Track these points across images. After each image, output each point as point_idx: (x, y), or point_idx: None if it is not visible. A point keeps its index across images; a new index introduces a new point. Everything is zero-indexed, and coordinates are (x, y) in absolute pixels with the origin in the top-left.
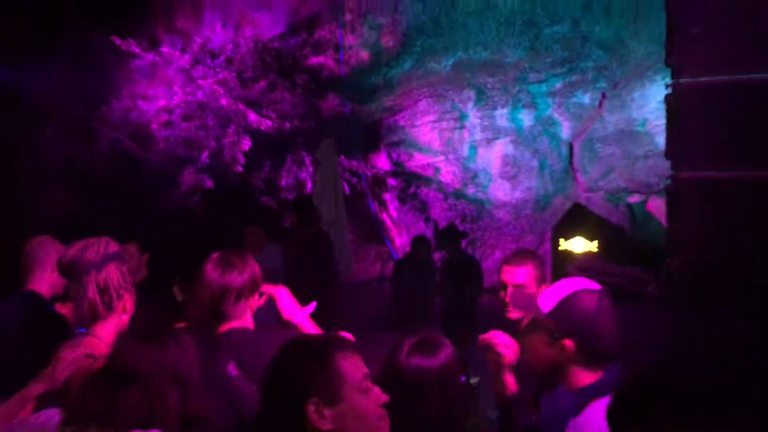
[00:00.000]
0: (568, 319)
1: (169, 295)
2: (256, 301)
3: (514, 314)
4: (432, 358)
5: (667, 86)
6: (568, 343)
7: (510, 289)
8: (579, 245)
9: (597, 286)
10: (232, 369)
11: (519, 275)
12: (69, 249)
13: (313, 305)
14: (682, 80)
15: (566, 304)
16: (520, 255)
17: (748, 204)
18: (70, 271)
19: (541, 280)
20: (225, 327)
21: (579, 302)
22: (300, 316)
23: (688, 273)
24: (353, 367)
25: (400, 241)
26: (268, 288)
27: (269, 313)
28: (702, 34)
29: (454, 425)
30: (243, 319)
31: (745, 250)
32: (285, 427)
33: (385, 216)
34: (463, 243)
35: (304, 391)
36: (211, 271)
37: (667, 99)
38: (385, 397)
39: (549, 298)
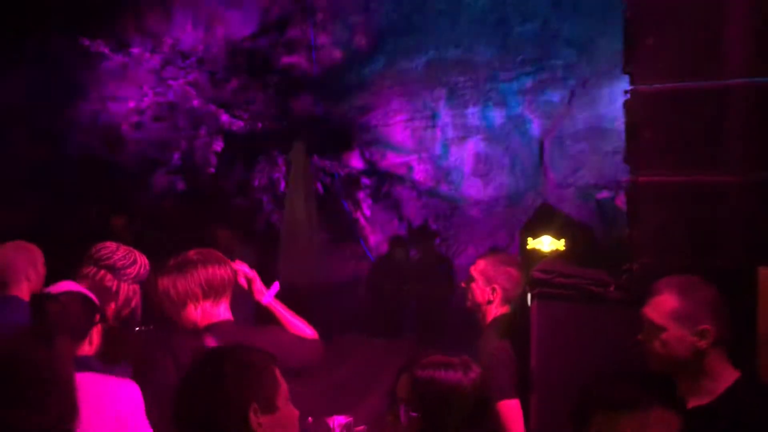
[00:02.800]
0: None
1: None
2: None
3: (468, 303)
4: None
5: (625, 92)
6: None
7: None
8: (547, 244)
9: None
10: None
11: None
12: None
13: (276, 285)
14: (639, 87)
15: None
16: (488, 253)
17: (703, 208)
18: None
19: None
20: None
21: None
22: (269, 296)
23: (646, 276)
24: (283, 378)
25: (374, 240)
26: (242, 266)
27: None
28: (657, 44)
29: None
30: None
31: (701, 254)
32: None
33: (358, 215)
34: (437, 241)
35: (245, 396)
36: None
37: (626, 105)
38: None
39: None
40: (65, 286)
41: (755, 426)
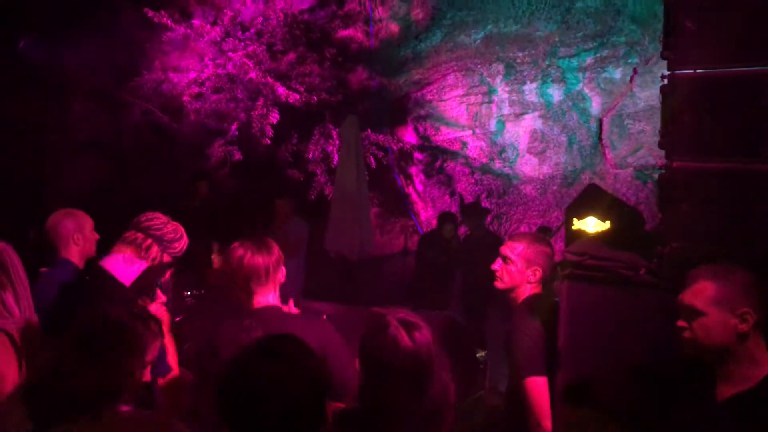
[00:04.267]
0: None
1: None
2: (280, 279)
3: (500, 284)
4: (415, 338)
5: (662, 77)
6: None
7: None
8: (592, 225)
9: None
10: None
11: (511, 250)
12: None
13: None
14: (677, 72)
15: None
16: (520, 233)
17: (737, 195)
18: None
19: (531, 263)
20: (256, 303)
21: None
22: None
23: (676, 261)
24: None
25: (425, 215)
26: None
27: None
28: (697, 28)
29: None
30: (270, 295)
31: (731, 240)
32: None
33: (410, 190)
34: (489, 218)
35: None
36: (240, 251)
37: (662, 90)
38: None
39: None
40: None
41: None
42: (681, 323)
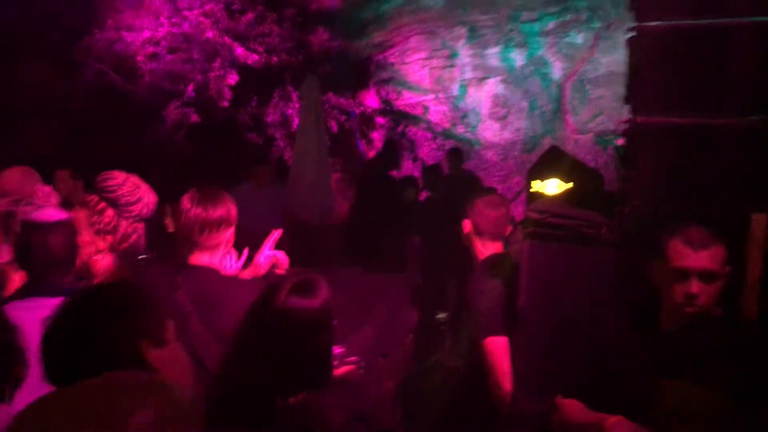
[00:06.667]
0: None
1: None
2: (228, 238)
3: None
4: (311, 300)
5: (628, 30)
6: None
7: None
8: (553, 187)
9: None
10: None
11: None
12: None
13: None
14: (643, 25)
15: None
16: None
17: (700, 152)
18: None
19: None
20: (194, 259)
21: None
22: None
23: (637, 218)
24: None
25: None
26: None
27: None
28: None
29: (324, 369)
30: (213, 254)
31: (695, 199)
32: None
33: (373, 154)
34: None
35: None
36: (186, 203)
37: (629, 43)
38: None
39: None
40: (49, 214)
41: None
42: (696, 289)
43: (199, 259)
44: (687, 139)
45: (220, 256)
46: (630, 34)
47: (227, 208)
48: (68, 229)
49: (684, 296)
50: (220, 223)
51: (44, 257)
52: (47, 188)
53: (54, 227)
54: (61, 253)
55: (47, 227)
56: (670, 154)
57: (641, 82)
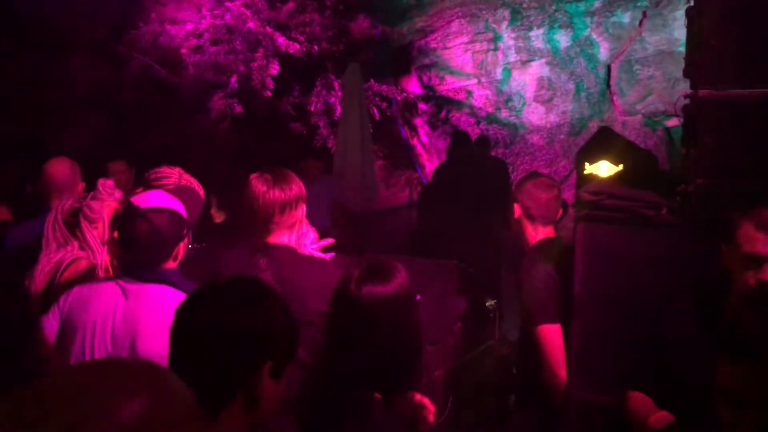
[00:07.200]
0: None
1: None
2: (302, 215)
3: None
4: (385, 285)
5: (688, 1)
6: None
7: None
8: (605, 169)
9: None
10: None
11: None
12: None
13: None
14: None
15: None
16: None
17: (766, 126)
18: None
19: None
20: (273, 239)
21: None
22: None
23: (702, 198)
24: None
25: (431, 167)
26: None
27: None
28: None
29: (409, 353)
30: (291, 232)
31: (762, 177)
32: None
33: (415, 141)
34: None
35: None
36: (261, 186)
37: (688, 13)
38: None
39: None
40: (155, 199)
41: None
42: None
43: (279, 238)
44: (754, 113)
45: (296, 235)
46: (689, 3)
47: (299, 185)
48: (176, 214)
49: (756, 282)
50: (297, 201)
51: (150, 240)
52: (109, 182)
53: (161, 212)
54: (168, 237)
55: (153, 211)
56: (736, 129)
57: (702, 54)
